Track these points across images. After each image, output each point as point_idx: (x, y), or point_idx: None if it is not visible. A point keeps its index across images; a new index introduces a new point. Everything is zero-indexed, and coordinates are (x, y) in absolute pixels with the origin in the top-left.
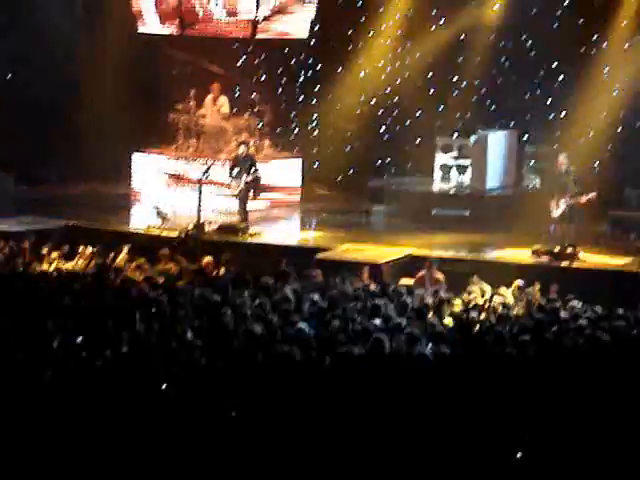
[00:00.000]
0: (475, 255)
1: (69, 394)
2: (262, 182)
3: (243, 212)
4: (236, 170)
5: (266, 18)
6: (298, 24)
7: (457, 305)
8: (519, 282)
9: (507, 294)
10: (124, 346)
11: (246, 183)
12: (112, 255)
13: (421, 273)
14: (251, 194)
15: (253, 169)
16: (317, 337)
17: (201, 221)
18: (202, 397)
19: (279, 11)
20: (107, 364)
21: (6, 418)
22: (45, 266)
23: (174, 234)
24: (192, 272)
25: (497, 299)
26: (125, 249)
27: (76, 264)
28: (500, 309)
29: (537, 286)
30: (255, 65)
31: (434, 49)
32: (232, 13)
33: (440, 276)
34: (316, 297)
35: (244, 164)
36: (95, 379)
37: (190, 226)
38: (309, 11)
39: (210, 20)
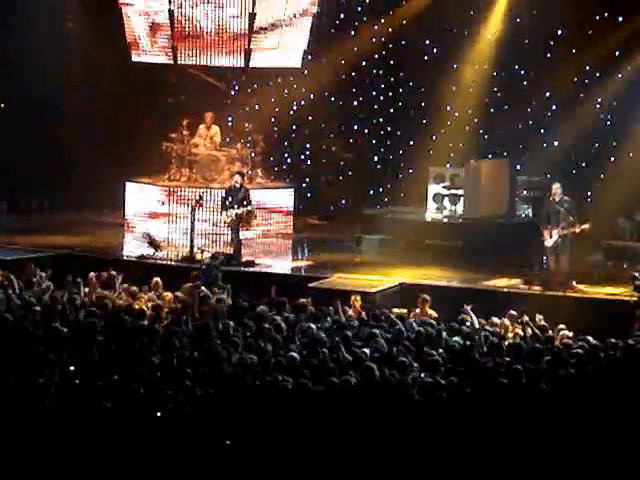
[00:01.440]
0: (468, 284)
1: (63, 425)
2: (254, 212)
3: (236, 241)
4: (229, 199)
5: (258, 48)
6: (291, 54)
7: (449, 334)
8: (512, 312)
9: (499, 323)
10: (116, 374)
11: (237, 214)
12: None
13: (415, 311)
14: (243, 224)
15: (246, 200)
16: (309, 366)
17: (195, 250)
18: (197, 425)
19: (271, 41)
20: (100, 392)
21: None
22: (37, 294)
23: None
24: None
25: (489, 328)
26: (119, 278)
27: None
28: (492, 338)
29: (528, 317)
30: (248, 94)
31: (427, 78)
32: (224, 44)
33: (433, 313)
34: (308, 325)
35: (237, 194)
36: (88, 408)
37: (213, 255)
38: (302, 41)
39: (203, 50)
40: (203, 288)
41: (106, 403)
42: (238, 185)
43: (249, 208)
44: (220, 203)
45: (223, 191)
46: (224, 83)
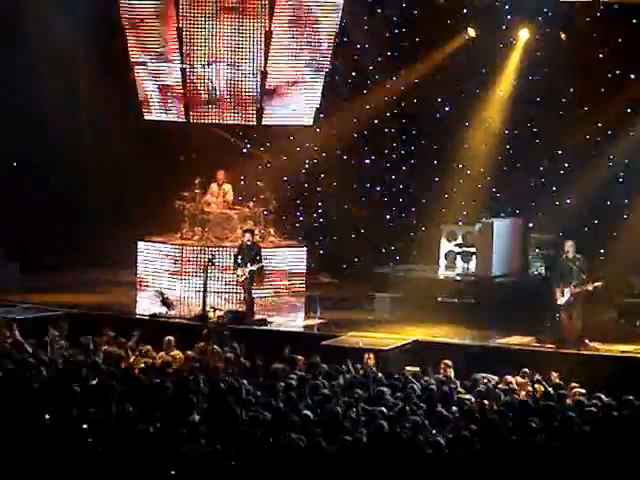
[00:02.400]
0: (481, 342)
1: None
2: (267, 270)
3: (248, 299)
4: (240, 257)
5: (270, 105)
6: (303, 112)
7: (463, 392)
8: (525, 370)
9: (513, 381)
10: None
11: (250, 271)
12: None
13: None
14: (255, 282)
15: (258, 258)
16: (322, 424)
17: (207, 308)
18: None
19: (283, 99)
20: (112, 449)
21: None
22: (49, 353)
23: (198, 321)
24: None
25: (502, 386)
26: (135, 335)
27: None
28: (506, 396)
29: (541, 375)
30: (260, 152)
31: (439, 136)
32: (237, 101)
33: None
34: (321, 384)
35: (249, 252)
36: (101, 465)
37: (222, 313)
38: (314, 99)
39: (215, 108)
40: (215, 347)
41: (120, 460)
42: (249, 243)
43: (260, 265)
44: (233, 261)
45: (235, 249)
46: (247, 144)
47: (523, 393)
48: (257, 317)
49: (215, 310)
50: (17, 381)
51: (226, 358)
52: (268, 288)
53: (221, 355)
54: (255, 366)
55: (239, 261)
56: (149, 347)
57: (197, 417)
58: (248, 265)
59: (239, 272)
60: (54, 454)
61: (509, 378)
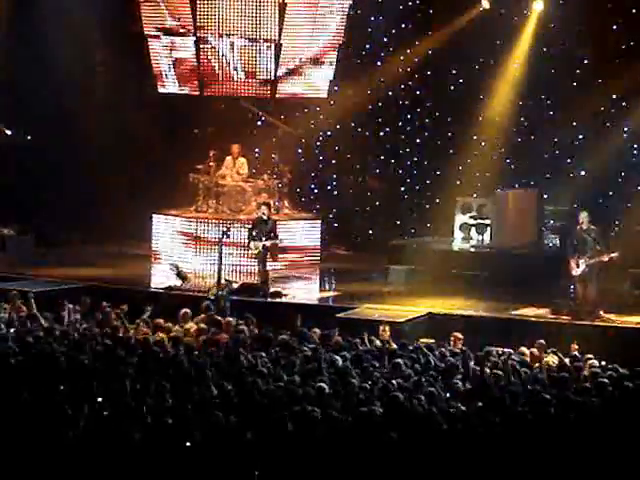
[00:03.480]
0: (496, 314)
1: (92, 457)
2: (281, 243)
3: (263, 272)
4: (255, 231)
5: (285, 78)
6: (317, 84)
7: (476, 364)
8: (541, 341)
9: (527, 353)
10: (144, 406)
11: (264, 245)
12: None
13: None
14: (270, 256)
15: (272, 234)
16: (337, 396)
17: (229, 281)
18: (225, 456)
19: (298, 71)
20: (128, 423)
21: None
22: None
23: (205, 294)
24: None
25: (517, 358)
26: (148, 310)
27: (97, 324)
28: (521, 368)
29: (556, 346)
30: (274, 125)
31: (453, 109)
32: (251, 74)
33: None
34: (336, 356)
35: (264, 226)
36: (117, 439)
37: (219, 286)
38: (328, 71)
39: (229, 81)
40: (218, 317)
41: (135, 434)
42: (265, 217)
43: (276, 241)
44: (247, 235)
45: (250, 222)
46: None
47: (538, 364)
48: (271, 290)
49: (230, 283)
50: (32, 354)
51: (238, 330)
52: (283, 261)
53: (234, 327)
54: (268, 338)
55: (254, 234)
56: (161, 320)
57: (213, 390)
58: (263, 239)
59: (252, 245)
60: (69, 427)
61: (524, 349)
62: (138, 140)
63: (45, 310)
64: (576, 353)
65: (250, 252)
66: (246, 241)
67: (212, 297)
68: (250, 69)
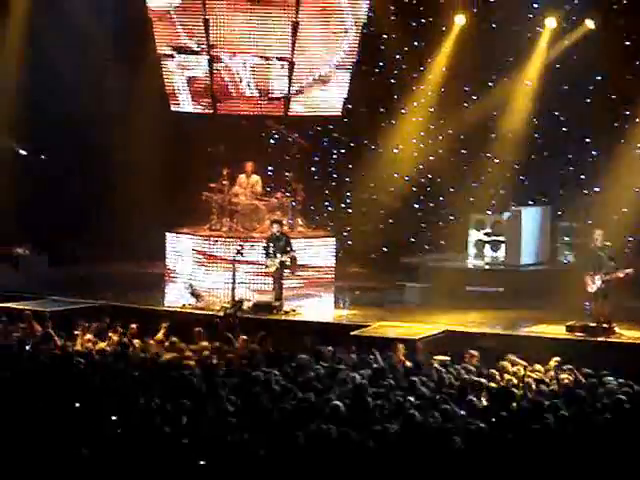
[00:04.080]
0: (510, 331)
1: (103, 472)
2: (297, 259)
3: (278, 290)
4: (271, 248)
5: (298, 96)
6: (331, 101)
7: (493, 381)
8: (555, 358)
9: (542, 370)
10: (158, 424)
11: (281, 262)
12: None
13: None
14: (287, 272)
15: (288, 248)
16: (352, 414)
17: (237, 300)
18: (238, 475)
19: (311, 89)
20: (141, 441)
21: None
22: (78, 346)
23: (214, 312)
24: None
25: (532, 375)
26: (163, 327)
27: (109, 343)
28: (535, 385)
29: (571, 363)
30: (288, 143)
31: (467, 126)
32: (264, 92)
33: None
34: (351, 374)
35: (278, 243)
36: (131, 456)
37: (229, 304)
38: (342, 89)
39: (242, 99)
40: (229, 334)
41: (149, 452)
42: (278, 234)
43: (292, 254)
44: (264, 252)
45: (264, 240)
46: (304, 139)
47: (553, 382)
48: (286, 308)
49: (244, 301)
50: (49, 372)
51: (252, 348)
52: (297, 279)
53: (247, 345)
54: (283, 356)
55: (270, 252)
56: (176, 339)
57: (228, 407)
58: (278, 256)
59: (269, 262)
60: (83, 445)
61: (538, 366)
62: (150, 159)
63: (59, 329)
64: (588, 370)
65: (267, 269)
66: (262, 259)
67: (222, 315)
68: (263, 87)
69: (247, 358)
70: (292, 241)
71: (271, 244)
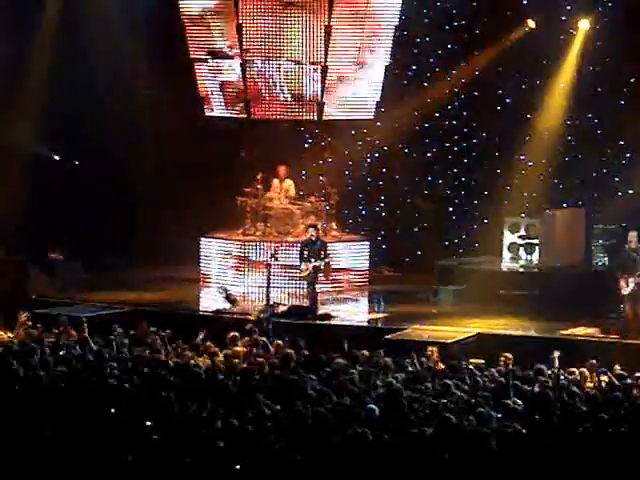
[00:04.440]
0: (545, 333)
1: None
2: (331, 264)
3: (312, 294)
4: (305, 253)
5: (331, 100)
6: (364, 106)
7: (528, 384)
8: (592, 361)
9: (578, 372)
10: (193, 428)
11: (315, 266)
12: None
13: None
14: (322, 276)
15: (323, 253)
16: (387, 418)
17: (271, 304)
18: (275, 478)
19: (344, 93)
20: (175, 446)
21: None
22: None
23: (248, 316)
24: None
25: (568, 377)
26: (202, 333)
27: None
28: (572, 387)
29: (606, 366)
30: (321, 147)
31: (501, 129)
32: (298, 96)
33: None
34: (386, 378)
35: (313, 247)
36: (167, 462)
37: (262, 308)
38: (375, 92)
39: (276, 103)
40: (263, 339)
41: (185, 458)
42: (314, 238)
43: (327, 260)
44: (298, 256)
45: (299, 244)
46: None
47: (589, 384)
48: (320, 312)
49: (278, 305)
50: (81, 378)
51: (287, 354)
52: (331, 283)
53: (282, 349)
54: (318, 361)
55: (305, 256)
56: (210, 344)
57: (265, 412)
58: (312, 260)
59: (302, 267)
60: (120, 451)
61: (574, 369)
62: (185, 164)
63: (94, 335)
64: (623, 372)
65: (300, 274)
66: (297, 263)
67: (254, 319)
68: (296, 91)
69: (281, 362)
70: (327, 246)
71: (306, 248)
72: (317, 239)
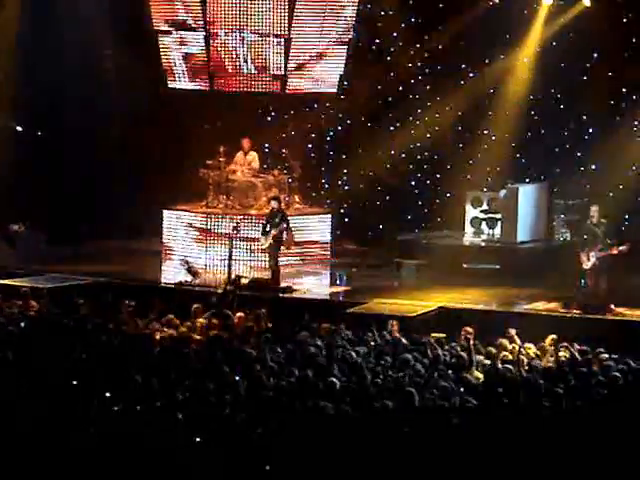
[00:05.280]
0: (506, 308)
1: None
2: (291, 232)
3: (274, 267)
4: (268, 226)
5: (294, 73)
6: (327, 78)
7: (488, 358)
8: (552, 336)
9: (538, 347)
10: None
11: (274, 236)
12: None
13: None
14: (283, 244)
15: (280, 222)
16: (349, 391)
17: (233, 276)
18: (236, 451)
19: (307, 66)
20: (139, 419)
21: None
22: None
23: (211, 289)
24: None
25: (528, 352)
26: (159, 305)
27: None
28: (531, 362)
29: (567, 340)
30: (284, 120)
31: (463, 103)
32: (261, 69)
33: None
34: (346, 351)
35: (274, 220)
36: (126, 434)
37: (227, 281)
38: (338, 66)
39: (239, 76)
40: (228, 312)
41: (145, 430)
42: (276, 210)
43: (283, 226)
44: (261, 230)
45: (263, 218)
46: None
47: (550, 358)
48: (282, 285)
49: (240, 278)
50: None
51: (249, 326)
52: (294, 256)
53: (244, 322)
54: (279, 334)
55: (266, 229)
56: (172, 316)
57: (222, 385)
58: (272, 231)
59: (262, 240)
60: (81, 424)
61: (533, 344)
62: (147, 136)
63: (56, 306)
64: (584, 347)
65: (261, 246)
66: (259, 235)
67: (221, 292)
68: (260, 64)
69: (244, 335)
70: (289, 218)
71: (268, 221)
72: (278, 211)
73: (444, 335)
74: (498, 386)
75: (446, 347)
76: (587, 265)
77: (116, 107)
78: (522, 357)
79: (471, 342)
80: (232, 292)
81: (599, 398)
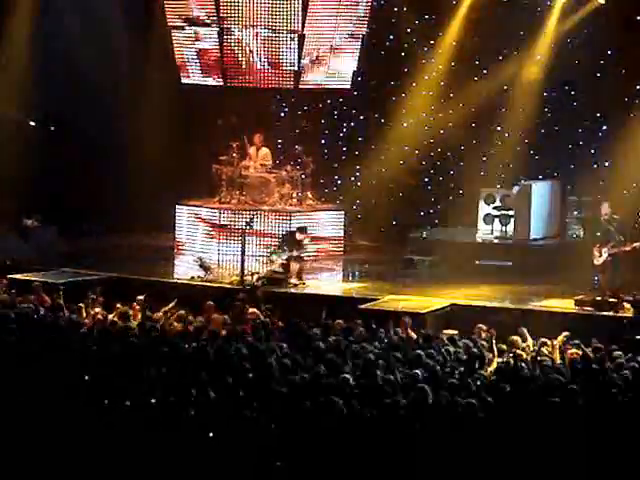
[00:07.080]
0: (519, 305)
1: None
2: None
3: (286, 263)
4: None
5: (308, 68)
6: (341, 75)
7: (501, 355)
8: (565, 333)
9: (550, 344)
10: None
11: (287, 232)
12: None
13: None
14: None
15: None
16: (361, 388)
17: (245, 272)
18: (248, 446)
19: (321, 62)
20: (153, 414)
21: None
22: (86, 319)
23: (229, 284)
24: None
25: (542, 350)
26: (173, 302)
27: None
28: (543, 359)
29: (579, 338)
30: (298, 116)
31: (477, 99)
32: (274, 64)
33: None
34: (360, 347)
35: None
36: (138, 430)
37: (256, 277)
38: (352, 62)
39: (253, 71)
40: (254, 310)
41: (158, 426)
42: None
43: (293, 254)
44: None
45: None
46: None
47: (561, 355)
48: (294, 281)
49: (253, 274)
50: (55, 345)
51: (263, 322)
52: (306, 252)
53: (258, 318)
54: (293, 330)
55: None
56: (183, 312)
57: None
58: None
59: (273, 257)
60: (94, 417)
61: (547, 341)
62: (160, 131)
63: (69, 301)
64: (598, 345)
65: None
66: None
67: (247, 287)
68: (274, 60)
69: (256, 331)
70: (301, 215)
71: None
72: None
73: (456, 332)
74: (511, 383)
75: (459, 344)
76: (598, 261)
77: (131, 102)
78: (534, 354)
79: (493, 340)
80: (259, 287)
81: (612, 396)
